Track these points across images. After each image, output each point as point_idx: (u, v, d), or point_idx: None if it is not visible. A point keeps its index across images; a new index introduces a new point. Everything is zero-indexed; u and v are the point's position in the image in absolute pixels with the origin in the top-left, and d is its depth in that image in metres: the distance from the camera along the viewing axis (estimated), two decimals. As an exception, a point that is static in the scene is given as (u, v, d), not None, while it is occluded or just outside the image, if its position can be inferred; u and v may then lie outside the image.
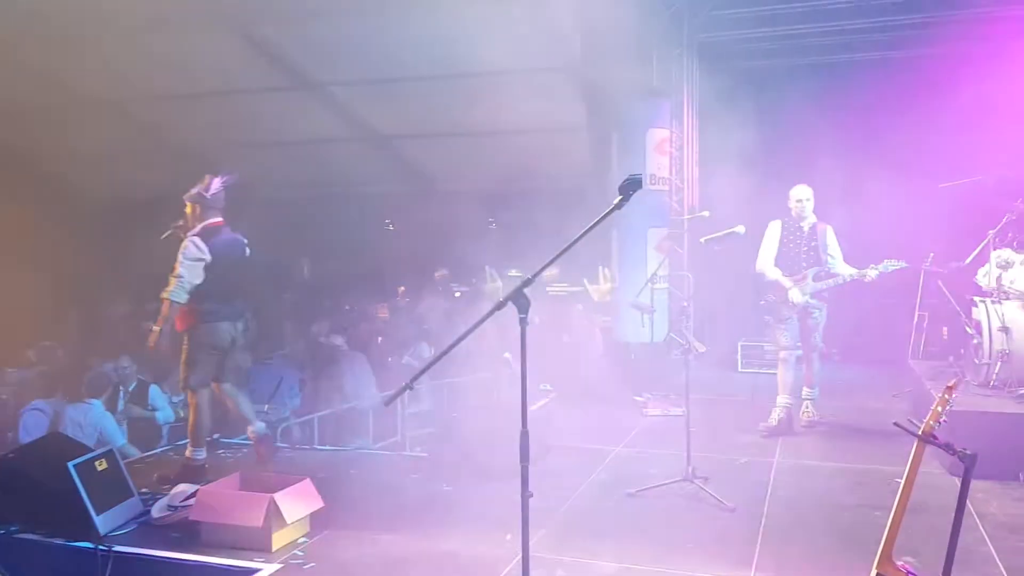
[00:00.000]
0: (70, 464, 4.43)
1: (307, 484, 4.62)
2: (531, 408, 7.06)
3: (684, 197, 10.09)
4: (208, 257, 5.33)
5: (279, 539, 4.34)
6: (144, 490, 5.03)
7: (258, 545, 4.27)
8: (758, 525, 4.53)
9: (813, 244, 6.42)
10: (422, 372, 3.16)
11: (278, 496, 4.33)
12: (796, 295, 6.36)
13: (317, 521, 4.57)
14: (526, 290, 2.88)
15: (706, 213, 7.51)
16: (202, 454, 5.59)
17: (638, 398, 7.55)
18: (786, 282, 6.41)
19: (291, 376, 9.26)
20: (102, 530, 4.45)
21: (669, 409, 7.22)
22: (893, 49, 9.11)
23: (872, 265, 6.12)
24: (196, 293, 5.33)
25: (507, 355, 8.04)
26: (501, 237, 13.25)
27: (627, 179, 2.87)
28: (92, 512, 4.42)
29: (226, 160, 13.93)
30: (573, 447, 6.15)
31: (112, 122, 11.96)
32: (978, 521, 4.49)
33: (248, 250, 5.73)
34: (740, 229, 5.76)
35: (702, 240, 5.93)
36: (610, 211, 2.90)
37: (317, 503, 4.59)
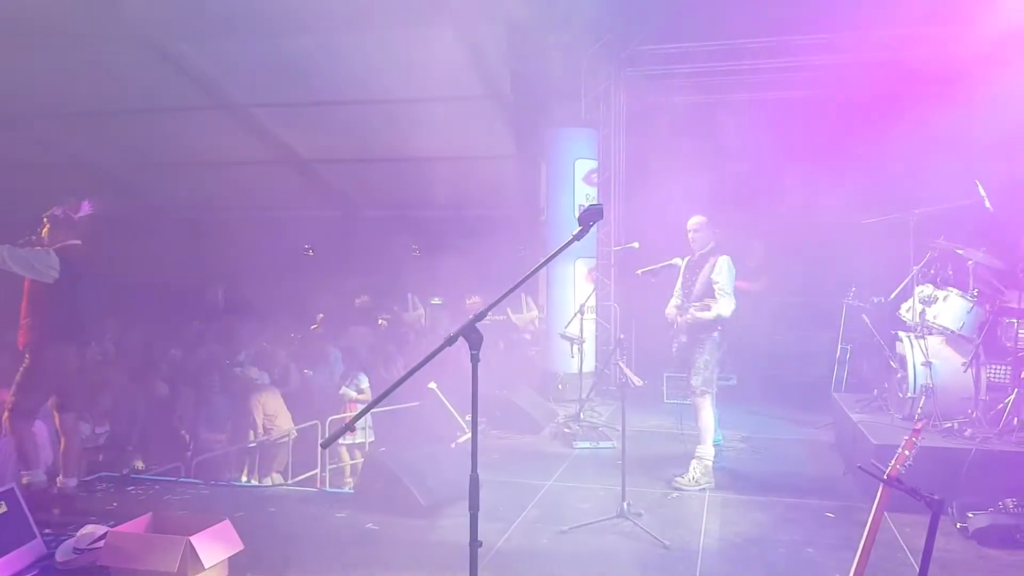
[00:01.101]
0: (-37, 505, 4.06)
1: (226, 525, 4.34)
2: (459, 441, 6.96)
3: (611, 228, 10.19)
4: (56, 274, 5.23)
5: (195, 583, 4.05)
6: (47, 531, 4.65)
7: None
8: (695, 564, 4.50)
9: (698, 275, 6.04)
10: (364, 412, 2.98)
11: (195, 539, 4.05)
12: (680, 331, 6.13)
13: (236, 565, 4.30)
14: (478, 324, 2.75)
15: (636, 244, 7.58)
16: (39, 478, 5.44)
17: (567, 430, 7.49)
18: (674, 316, 6.17)
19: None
20: (-1, 577, 4.08)
21: (598, 442, 7.18)
22: (812, 88, 9.44)
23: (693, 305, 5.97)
24: (43, 312, 5.20)
25: (432, 385, 7.89)
26: (424, 264, 13.15)
27: (587, 208, 2.82)
28: (-14, 560, 4.04)
29: (139, 179, 13.43)
30: (504, 481, 6.02)
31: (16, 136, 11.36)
32: (910, 556, 4.54)
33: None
34: (677, 261, 5.80)
35: (638, 272, 5.94)
36: (570, 241, 2.84)
37: (237, 546, 4.31)
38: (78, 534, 4.41)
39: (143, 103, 10.94)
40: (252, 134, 11.93)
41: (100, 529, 4.39)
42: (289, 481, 8.50)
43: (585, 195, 9.68)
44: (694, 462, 5.93)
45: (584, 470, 6.47)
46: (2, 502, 4.30)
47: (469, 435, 6.65)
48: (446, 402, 7.77)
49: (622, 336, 5.66)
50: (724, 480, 6.04)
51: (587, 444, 7.16)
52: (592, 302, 8.97)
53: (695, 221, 6.08)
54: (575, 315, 8.30)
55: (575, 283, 9.56)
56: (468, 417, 7.43)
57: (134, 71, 9.98)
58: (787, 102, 9.37)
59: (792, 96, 9.43)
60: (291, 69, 9.91)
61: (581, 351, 8.28)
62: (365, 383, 9.53)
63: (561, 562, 4.54)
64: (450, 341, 2.70)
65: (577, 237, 2.81)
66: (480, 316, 2.70)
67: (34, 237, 5.41)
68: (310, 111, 11.31)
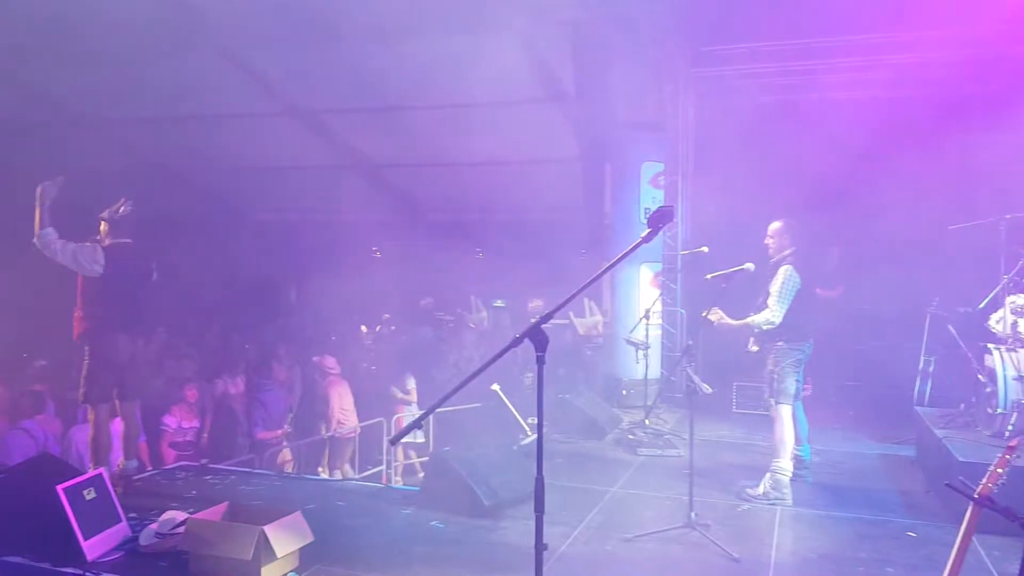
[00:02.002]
0: (59, 487, 4.25)
1: (297, 517, 4.45)
2: (522, 442, 6.97)
3: (678, 232, 10.09)
4: (100, 268, 5.46)
5: (268, 573, 4.15)
6: (132, 515, 4.84)
7: (246, 578, 4.09)
8: (766, 577, 4.40)
9: (767, 283, 5.88)
10: (430, 412, 3.01)
11: (268, 528, 4.16)
12: (752, 341, 5.99)
13: (306, 556, 4.40)
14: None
15: (704, 248, 7.47)
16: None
17: (631, 436, 7.43)
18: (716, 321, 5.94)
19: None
20: (89, 555, 4.26)
21: (664, 450, 7.10)
22: (893, 88, 9.03)
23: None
24: (92, 304, 5.47)
25: (495, 387, 7.94)
26: (488, 267, 13.21)
27: (657, 210, 2.77)
28: (79, 537, 4.23)
29: (215, 182, 13.86)
30: (567, 485, 5.99)
31: (98, 142, 11.82)
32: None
33: (155, 275, 5.89)
34: (749, 266, 5.67)
35: (708, 276, 5.83)
36: (639, 243, 2.79)
37: (307, 537, 4.41)
38: (160, 519, 4.59)
39: (218, 109, 11.27)
40: (321, 139, 12.19)
41: (180, 515, 4.56)
42: (357, 475, 8.67)
43: (652, 198, 9.62)
44: (768, 475, 5.75)
45: (649, 478, 6.38)
46: (92, 487, 4.49)
47: (532, 437, 6.69)
48: (509, 404, 7.81)
49: (690, 342, 5.56)
50: (799, 494, 5.81)
51: (652, 451, 7.09)
52: (658, 307, 8.88)
53: (774, 227, 5.92)
54: (640, 320, 8.23)
55: (640, 288, 9.50)
56: (531, 420, 7.46)
57: (210, 78, 10.29)
58: (867, 102, 9.01)
59: (872, 96, 9.06)
60: (359, 75, 10.07)
61: (646, 357, 8.21)
62: (412, 383, 9.67)
63: (626, 569, 4.50)
64: (516, 342, 2.70)
65: (646, 240, 2.76)
66: (546, 318, 2.69)
67: (97, 237, 5.69)
68: (378, 116, 11.48)
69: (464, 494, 5.30)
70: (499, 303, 13.33)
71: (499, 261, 12.23)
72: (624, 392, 9.21)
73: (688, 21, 9.27)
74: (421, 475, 9.00)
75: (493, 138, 10.72)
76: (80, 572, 4.15)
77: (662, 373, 9.20)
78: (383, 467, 8.79)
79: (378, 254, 15.14)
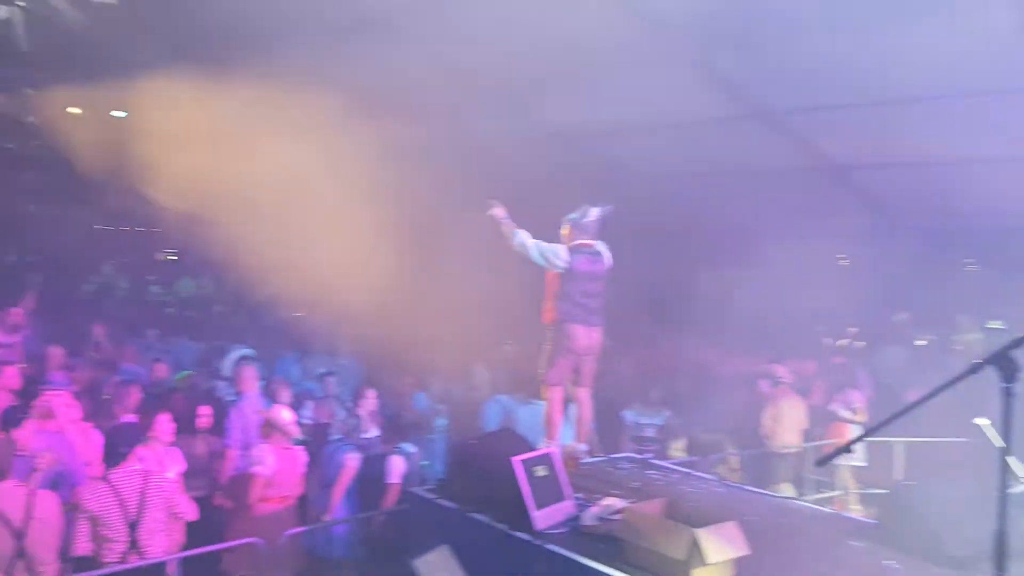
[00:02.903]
0: (516, 459, 4.79)
1: (733, 527, 4.33)
2: (1015, 490, 5.82)
3: None
4: (564, 265, 5.89)
5: (699, 576, 4.13)
6: (578, 496, 5.22)
7: (677, 578, 4.12)
8: None
9: None
10: (869, 433, 2.66)
11: (700, 532, 4.13)
12: None
13: (742, 568, 4.26)
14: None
15: None
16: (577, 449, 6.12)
17: None
18: None
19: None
20: (538, 526, 4.71)
21: None
22: None
23: None
24: (556, 296, 5.99)
25: (982, 421, 6.78)
26: (981, 281, 11.43)
27: None
28: (531, 507, 4.70)
29: (677, 188, 14.35)
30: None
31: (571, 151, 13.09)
32: None
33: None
34: None
35: None
36: None
37: (742, 549, 4.27)
38: (601, 503, 4.88)
39: (687, 117, 11.62)
40: (784, 140, 11.78)
41: (620, 503, 4.79)
42: (803, 496, 8.20)
43: None
44: None
45: None
46: (543, 464, 4.97)
47: (1024, 485, 5.54)
48: (998, 442, 6.60)
49: None
50: None
51: None
52: None
53: None
54: None
55: None
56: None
57: (677, 87, 10.66)
58: None
59: None
60: (826, 70, 9.47)
61: None
62: (858, 403, 8.74)
63: None
64: (974, 368, 2.24)
65: None
66: (1020, 342, 2.16)
67: (563, 239, 6.18)
68: (845, 113, 10.69)
69: (927, 537, 4.62)
70: (996, 324, 11.45)
71: (998, 275, 10.48)
72: None
73: None
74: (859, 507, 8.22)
75: (975, 133, 9.23)
76: (530, 539, 4.61)
77: None
78: (837, 492, 8.16)
79: (844, 261, 14.13)
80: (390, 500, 6.68)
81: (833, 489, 8.45)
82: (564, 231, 6.20)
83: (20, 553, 4.81)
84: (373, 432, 7.22)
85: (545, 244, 6.01)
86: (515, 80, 10.72)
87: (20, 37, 12.15)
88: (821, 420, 9.14)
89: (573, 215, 6.16)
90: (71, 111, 13.59)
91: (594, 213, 6.12)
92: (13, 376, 7.24)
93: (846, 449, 2.63)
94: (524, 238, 6.01)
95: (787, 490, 8.58)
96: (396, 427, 7.08)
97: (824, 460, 2.69)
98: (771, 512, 5.55)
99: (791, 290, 11.11)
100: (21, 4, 11.51)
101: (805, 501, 6.95)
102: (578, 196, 6.36)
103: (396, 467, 6.74)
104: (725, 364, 10.07)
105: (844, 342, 11.88)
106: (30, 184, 18.00)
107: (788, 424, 9.10)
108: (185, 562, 5.44)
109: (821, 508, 6.41)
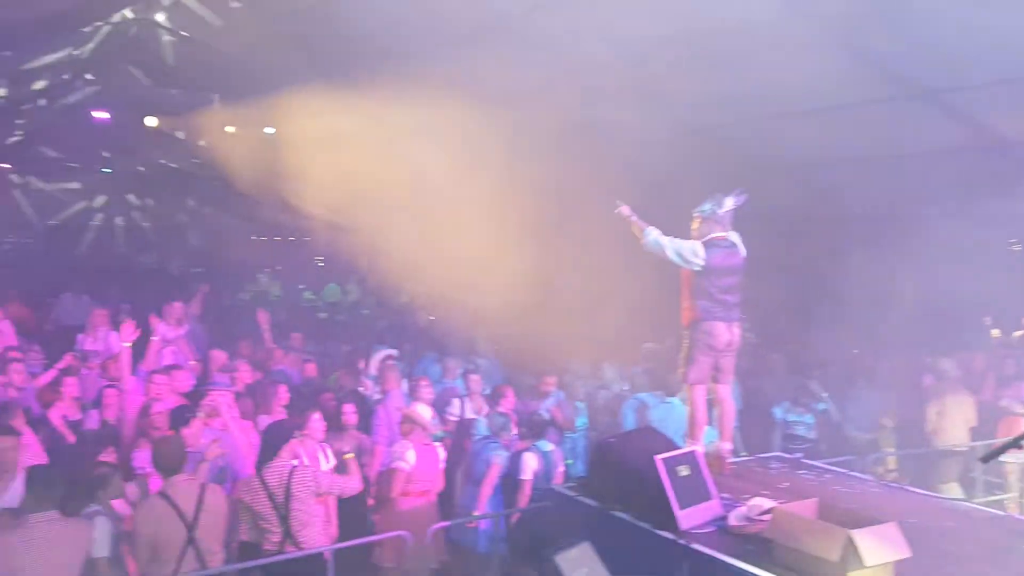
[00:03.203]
0: (658, 457, 4.71)
1: (892, 528, 4.07)
2: None
3: None
4: (701, 263, 5.72)
5: (856, 580, 3.91)
6: (725, 495, 5.08)
7: (831, 581, 3.91)
8: None
9: None
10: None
11: (857, 533, 3.90)
12: None
13: (902, 572, 3.98)
14: None
15: None
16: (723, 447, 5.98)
17: None
18: None
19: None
20: (683, 525, 4.61)
21: None
22: None
23: None
24: (693, 295, 5.85)
25: None
26: None
27: None
28: (675, 506, 4.61)
29: (830, 175, 13.67)
30: None
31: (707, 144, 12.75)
32: None
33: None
34: None
35: None
36: None
37: (903, 551, 4.00)
38: (749, 503, 4.71)
39: (836, 100, 11.10)
40: (944, 119, 10.96)
41: (768, 503, 4.60)
42: (974, 499, 7.59)
43: None
44: None
45: None
46: (686, 463, 4.86)
47: None
48: None
49: None
50: None
51: None
52: None
53: None
54: None
55: None
56: None
57: (830, 71, 10.19)
58: None
59: None
60: (987, 46, 8.72)
61: None
62: None
63: None
64: None
65: None
66: None
67: (694, 233, 6.00)
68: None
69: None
70: None
71: None
72: None
73: None
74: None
75: None
76: (674, 538, 4.51)
77: None
78: (1011, 494, 7.49)
79: (1016, 247, 12.99)
80: (523, 496, 6.74)
81: (1006, 490, 7.75)
82: (695, 225, 6.01)
83: (191, 541, 5.17)
84: (512, 430, 7.30)
85: (680, 241, 5.83)
86: (650, 72, 10.55)
87: (172, 59, 13.22)
88: (991, 416, 8.43)
89: (705, 207, 5.94)
90: (228, 130, 14.64)
91: (729, 203, 5.89)
92: (185, 379, 7.84)
93: (1015, 443, 2.37)
94: (657, 236, 5.85)
95: (954, 491, 7.98)
96: (532, 425, 7.12)
97: (990, 456, 2.42)
98: (935, 514, 5.18)
99: (957, 278, 10.33)
100: (168, 29, 12.51)
101: (974, 503, 6.45)
102: (711, 189, 6.15)
103: (528, 464, 6.79)
104: (882, 358, 9.46)
105: (1019, 333, 10.89)
106: (192, 198, 19.61)
107: (954, 420, 8.48)
108: (338, 553, 5.68)
109: (992, 510, 5.92)
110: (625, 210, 5.97)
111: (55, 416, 6.91)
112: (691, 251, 5.79)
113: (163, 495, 5.20)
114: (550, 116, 10.51)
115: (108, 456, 6.06)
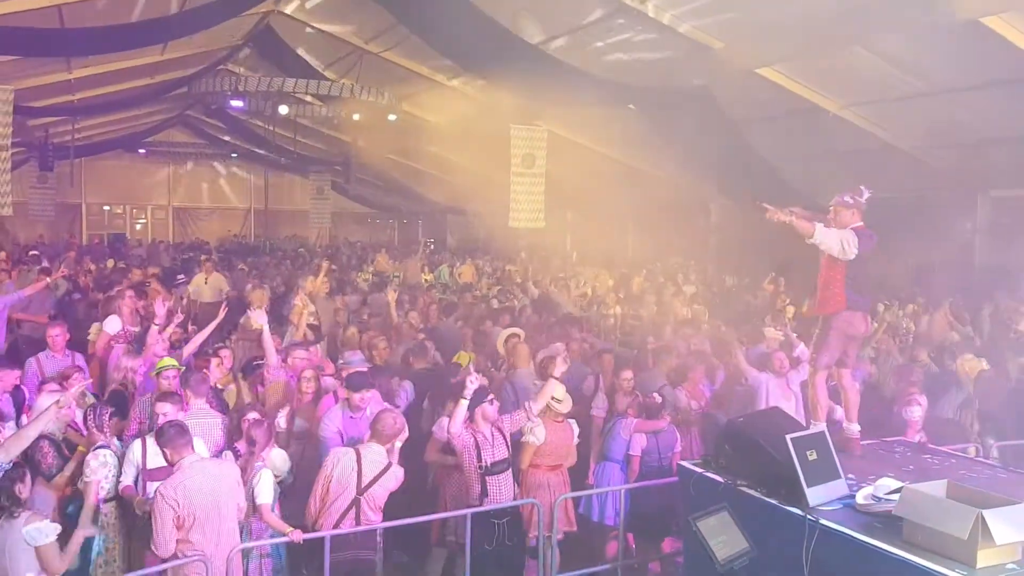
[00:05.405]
0: (788, 437, 4.96)
1: (1022, 508, 4.23)
2: None
3: None
4: (855, 252, 5.79)
5: (985, 557, 4.11)
6: (850, 476, 5.26)
7: (961, 557, 4.13)
8: None
9: None
10: None
11: (988, 513, 4.09)
12: None
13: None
14: None
15: None
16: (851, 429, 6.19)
17: None
18: None
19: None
20: (811, 502, 4.85)
21: None
22: None
23: None
24: (837, 284, 5.95)
25: None
26: None
27: None
28: (804, 484, 4.85)
29: (946, 160, 13.31)
30: None
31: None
32: None
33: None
34: None
35: None
36: None
37: (1033, 531, 4.16)
38: (876, 483, 4.90)
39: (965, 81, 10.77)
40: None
41: (896, 483, 4.78)
42: None
43: None
44: None
45: None
46: (815, 442, 5.08)
47: None
48: None
49: None
50: None
51: None
52: None
53: None
54: None
55: None
56: None
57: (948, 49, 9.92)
58: None
59: None
60: None
61: None
62: None
63: None
64: None
65: None
66: None
67: (830, 221, 6.05)
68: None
69: None
70: None
71: None
72: None
73: None
74: None
75: None
76: (802, 514, 4.76)
77: None
78: None
79: None
80: (632, 472, 7.20)
81: None
82: (836, 215, 5.99)
83: (355, 504, 5.80)
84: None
85: (842, 231, 5.84)
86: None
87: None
88: None
89: (847, 197, 5.97)
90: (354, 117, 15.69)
91: (867, 193, 5.97)
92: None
93: None
94: (824, 228, 5.84)
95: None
96: (644, 406, 7.40)
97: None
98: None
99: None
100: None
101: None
102: (849, 181, 6.26)
103: (638, 441, 7.18)
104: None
105: None
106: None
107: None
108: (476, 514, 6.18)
109: None
110: (779, 216, 5.86)
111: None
112: (850, 242, 5.84)
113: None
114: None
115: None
